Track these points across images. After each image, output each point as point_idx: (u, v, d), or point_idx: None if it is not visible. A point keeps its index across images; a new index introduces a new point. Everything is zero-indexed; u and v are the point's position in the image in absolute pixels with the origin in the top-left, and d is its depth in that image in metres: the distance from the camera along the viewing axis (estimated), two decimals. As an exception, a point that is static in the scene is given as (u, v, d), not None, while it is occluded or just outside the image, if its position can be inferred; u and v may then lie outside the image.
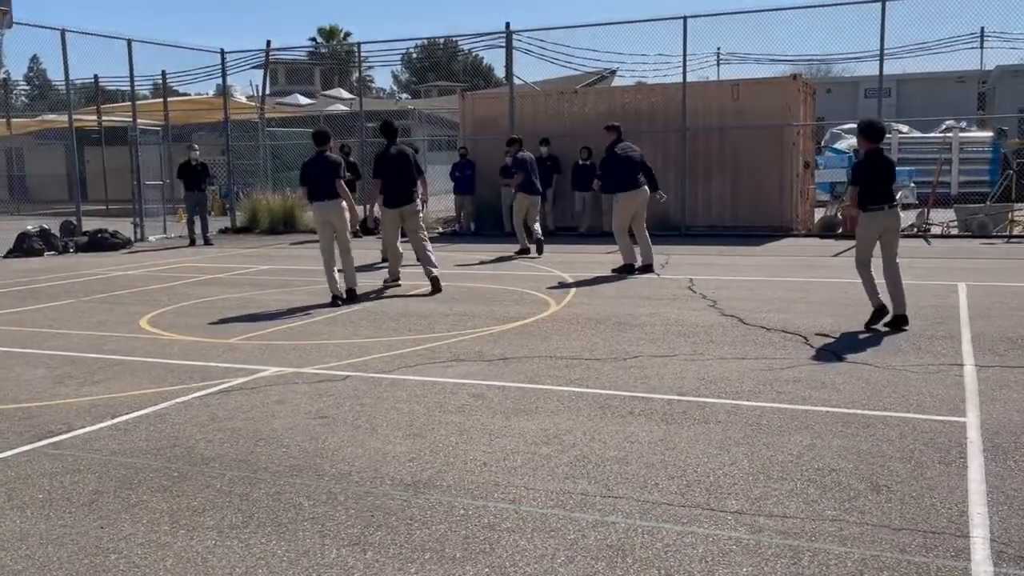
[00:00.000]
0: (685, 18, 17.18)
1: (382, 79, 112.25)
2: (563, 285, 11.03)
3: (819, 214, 18.76)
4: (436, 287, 10.53)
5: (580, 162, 18.19)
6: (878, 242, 7.90)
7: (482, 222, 19.63)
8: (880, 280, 7.91)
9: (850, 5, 17.16)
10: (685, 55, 17.43)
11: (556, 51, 20.68)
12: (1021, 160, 16.37)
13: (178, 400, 6.00)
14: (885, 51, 16.20)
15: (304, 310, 9.59)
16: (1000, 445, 4.71)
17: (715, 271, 12.13)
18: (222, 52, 20.85)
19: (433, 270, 10.63)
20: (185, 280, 12.51)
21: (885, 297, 7.88)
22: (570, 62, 21.88)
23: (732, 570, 3.39)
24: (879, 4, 15.82)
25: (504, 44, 24.60)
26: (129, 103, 33.84)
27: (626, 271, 11.83)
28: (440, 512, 4.00)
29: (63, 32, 17.47)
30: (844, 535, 3.67)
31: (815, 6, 17.73)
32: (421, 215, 10.93)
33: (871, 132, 7.88)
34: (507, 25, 20.02)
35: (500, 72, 79.01)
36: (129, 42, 18.60)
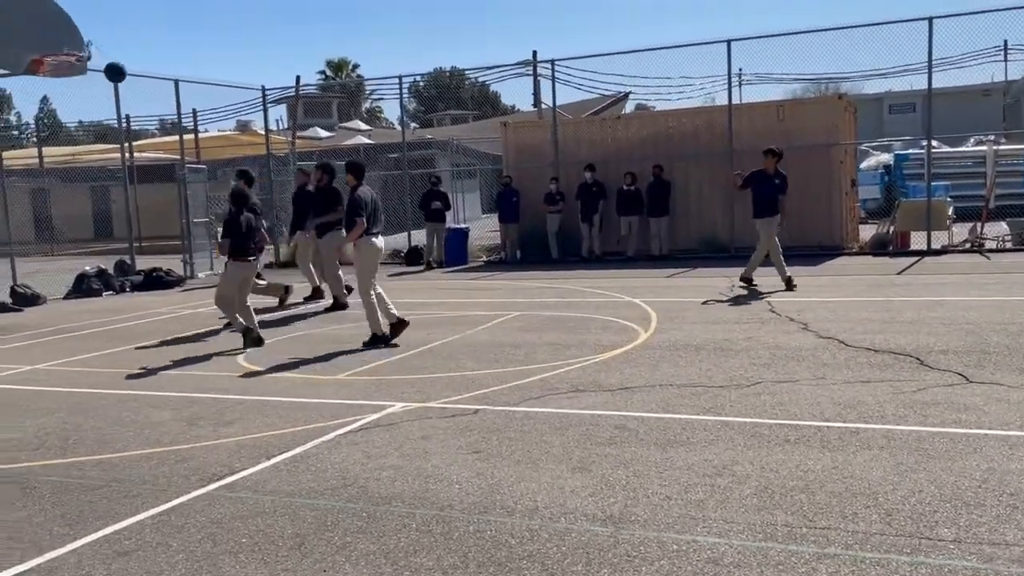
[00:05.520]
0: (729, 41, 17.30)
1: (389, 110, 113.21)
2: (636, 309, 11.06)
3: (861, 231, 18.79)
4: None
5: (624, 187, 18.30)
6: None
7: (527, 249, 19.70)
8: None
9: (894, 24, 17.23)
10: (730, 77, 17.57)
11: (582, 78, 20.65)
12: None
13: (323, 439, 6.03)
14: (911, 67, 16.34)
15: (379, 343, 9.59)
16: None
17: (787, 293, 12.13)
18: (263, 89, 21.12)
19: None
20: (262, 315, 12.54)
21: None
22: (594, 87, 21.97)
23: (981, 599, 3.39)
24: (926, 22, 15.92)
25: (531, 73, 24.79)
26: (155, 140, 34.23)
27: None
28: (653, 548, 4.01)
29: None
30: (1076, 560, 3.67)
31: (859, 26, 17.70)
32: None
33: (355, 169, 9.74)
34: (534, 54, 20.41)
35: (507, 100, 79.84)
36: (176, 82, 18.85)
